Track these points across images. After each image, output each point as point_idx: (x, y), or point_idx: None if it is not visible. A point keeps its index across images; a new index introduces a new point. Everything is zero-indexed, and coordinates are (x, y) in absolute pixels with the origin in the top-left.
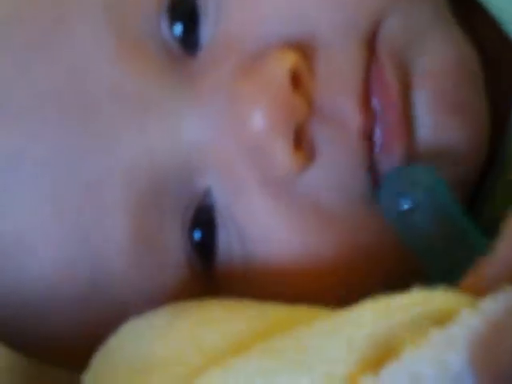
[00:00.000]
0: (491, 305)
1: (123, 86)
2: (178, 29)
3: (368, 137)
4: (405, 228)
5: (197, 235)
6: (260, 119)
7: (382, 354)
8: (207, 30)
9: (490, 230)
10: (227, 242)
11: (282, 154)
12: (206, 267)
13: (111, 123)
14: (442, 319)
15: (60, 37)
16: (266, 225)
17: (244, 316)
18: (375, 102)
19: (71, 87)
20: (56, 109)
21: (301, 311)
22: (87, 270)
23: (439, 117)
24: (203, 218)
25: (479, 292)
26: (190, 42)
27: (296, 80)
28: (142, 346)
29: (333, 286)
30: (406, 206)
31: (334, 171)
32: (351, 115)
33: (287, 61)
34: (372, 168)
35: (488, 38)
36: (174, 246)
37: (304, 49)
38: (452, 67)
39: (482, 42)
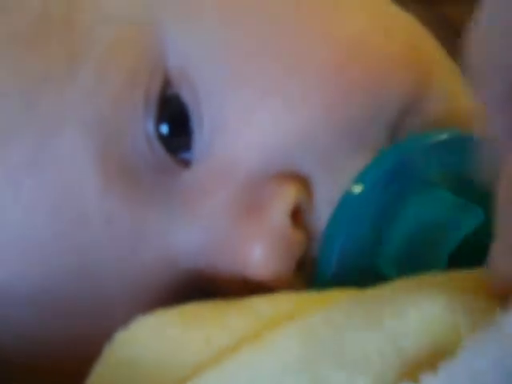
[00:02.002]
0: None
1: (113, 213)
2: (164, 128)
3: None
4: None
5: None
6: (258, 258)
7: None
8: (202, 144)
9: None
10: None
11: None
12: None
13: (101, 251)
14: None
15: (47, 160)
16: None
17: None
18: None
19: (60, 210)
20: (49, 233)
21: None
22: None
23: None
24: None
25: None
26: (182, 154)
27: (296, 214)
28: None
29: None
30: None
31: None
32: None
33: (287, 198)
34: None
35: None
36: None
37: (305, 176)
38: None
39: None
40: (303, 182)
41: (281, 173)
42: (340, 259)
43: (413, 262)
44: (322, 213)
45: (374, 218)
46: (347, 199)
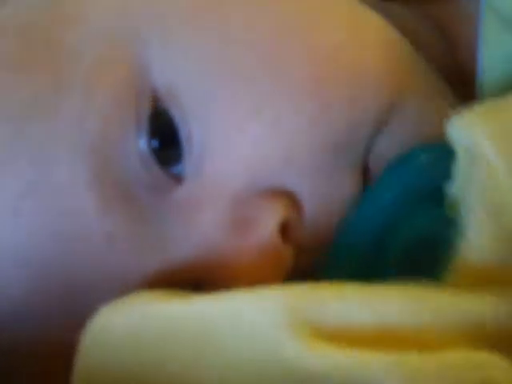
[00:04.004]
0: None
1: (114, 234)
2: (155, 143)
3: None
4: None
5: None
6: (249, 277)
7: None
8: (192, 161)
9: None
10: None
11: None
12: None
13: (107, 269)
14: None
15: (43, 188)
16: None
17: None
18: None
19: (60, 235)
20: (51, 253)
21: None
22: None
23: None
24: None
25: None
26: (173, 168)
27: (285, 227)
28: None
29: None
30: None
31: None
32: None
33: (276, 213)
34: None
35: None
36: None
37: (292, 193)
38: None
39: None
40: (291, 198)
41: (269, 189)
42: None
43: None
44: (311, 227)
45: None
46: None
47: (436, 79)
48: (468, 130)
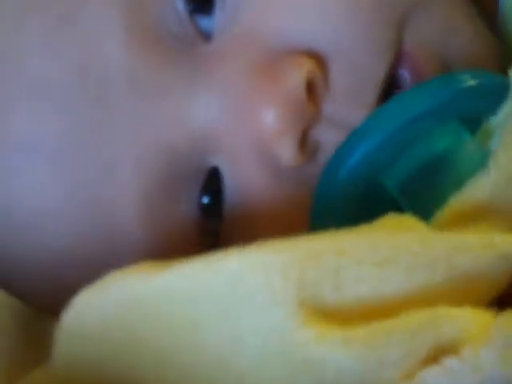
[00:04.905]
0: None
1: (135, 71)
2: (192, 5)
3: None
4: None
5: (205, 200)
6: (272, 119)
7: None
8: (223, 16)
9: None
10: (230, 204)
11: (287, 153)
12: (212, 227)
13: (125, 107)
14: None
15: (74, 19)
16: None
17: None
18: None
19: (85, 68)
20: (71, 87)
21: None
22: (101, 240)
23: None
24: (211, 186)
25: None
26: (204, 23)
27: (310, 87)
28: None
29: None
30: None
31: None
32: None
33: (305, 68)
34: None
35: None
36: (184, 212)
37: (323, 57)
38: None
39: None
40: (319, 62)
41: (299, 49)
42: (352, 167)
43: (419, 189)
44: (335, 100)
45: (397, 145)
46: (384, 118)
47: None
48: None
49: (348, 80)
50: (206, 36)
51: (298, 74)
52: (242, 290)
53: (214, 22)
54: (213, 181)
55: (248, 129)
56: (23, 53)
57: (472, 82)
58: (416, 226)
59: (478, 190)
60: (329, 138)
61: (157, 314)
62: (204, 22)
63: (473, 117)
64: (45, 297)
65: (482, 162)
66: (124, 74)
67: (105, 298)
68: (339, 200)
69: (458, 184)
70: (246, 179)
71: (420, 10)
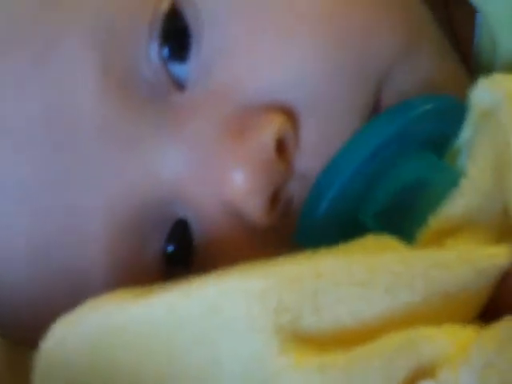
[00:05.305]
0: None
1: (107, 120)
2: (166, 52)
3: None
4: None
5: (170, 249)
6: (241, 179)
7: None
8: (198, 65)
9: None
10: (199, 252)
11: (257, 213)
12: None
13: (93, 155)
14: None
15: (50, 62)
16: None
17: None
18: None
19: (55, 111)
20: (43, 132)
21: None
22: (62, 288)
23: None
24: (177, 235)
25: None
26: (179, 70)
27: (281, 144)
28: None
29: None
30: None
31: None
32: None
33: (276, 125)
34: None
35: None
36: (148, 261)
37: (296, 113)
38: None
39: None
40: (292, 118)
41: (272, 105)
42: (330, 206)
43: (396, 218)
44: (307, 156)
45: (367, 175)
46: (350, 153)
47: (447, 43)
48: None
49: (321, 135)
50: (180, 85)
51: (268, 132)
52: (221, 317)
53: (189, 70)
54: (178, 229)
55: (216, 187)
56: None
57: (427, 106)
58: (395, 245)
59: (453, 205)
60: (302, 192)
61: (136, 341)
62: (178, 69)
63: (437, 140)
64: (16, 331)
65: (454, 179)
66: (95, 122)
67: (83, 326)
68: (321, 232)
69: (435, 205)
70: (215, 233)
71: (399, 64)
